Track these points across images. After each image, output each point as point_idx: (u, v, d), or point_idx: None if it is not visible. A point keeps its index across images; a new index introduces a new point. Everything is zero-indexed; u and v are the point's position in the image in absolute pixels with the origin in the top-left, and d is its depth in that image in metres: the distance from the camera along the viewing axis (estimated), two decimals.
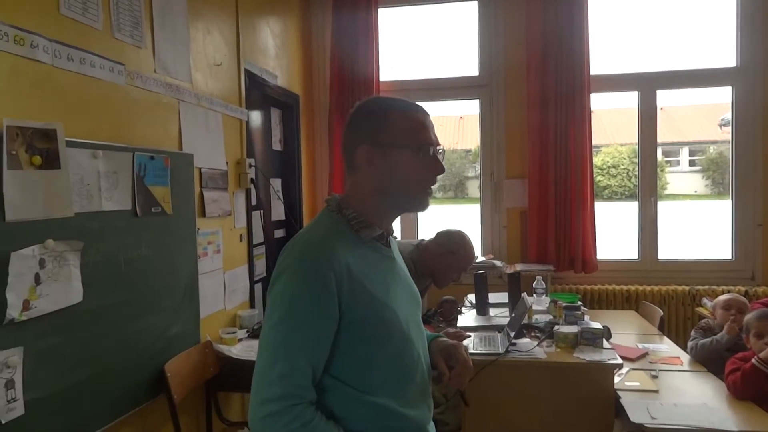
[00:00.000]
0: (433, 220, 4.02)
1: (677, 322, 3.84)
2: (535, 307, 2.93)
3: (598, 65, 4.00)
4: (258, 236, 3.37)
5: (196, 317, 2.50)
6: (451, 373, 1.24)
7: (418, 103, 1.22)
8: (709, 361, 2.55)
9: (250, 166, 3.10)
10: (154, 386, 2.16)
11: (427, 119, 1.20)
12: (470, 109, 4.36)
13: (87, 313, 1.82)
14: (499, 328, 2.71)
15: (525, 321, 2.64)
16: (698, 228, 11.36)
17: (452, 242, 2.67)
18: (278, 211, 3.82)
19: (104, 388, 1.92)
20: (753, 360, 2.20)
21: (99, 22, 1.99)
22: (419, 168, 1.16)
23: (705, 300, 3.56)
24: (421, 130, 1.17)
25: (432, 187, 1.20)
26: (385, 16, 4.32)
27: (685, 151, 18.19)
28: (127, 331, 2.04)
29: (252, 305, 3.17)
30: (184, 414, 2.31)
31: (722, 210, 4.42)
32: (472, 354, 1.31)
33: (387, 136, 1.15)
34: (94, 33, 1.97)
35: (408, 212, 1.28)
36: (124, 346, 2.02)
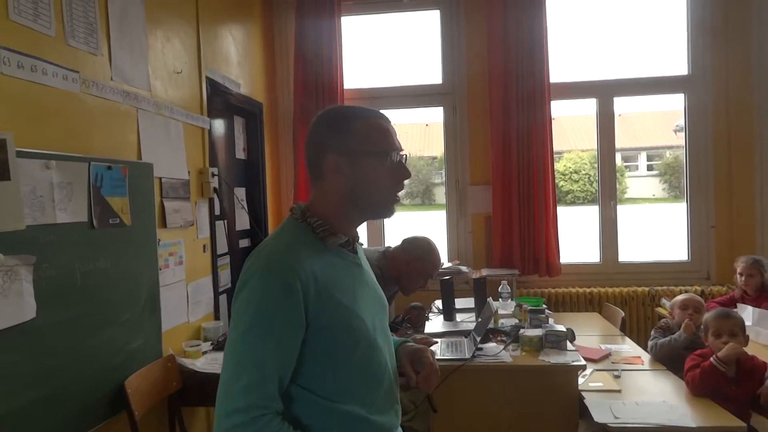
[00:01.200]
0: (400, 227, 4.04)
1: (638, 322, 3.94)
2: (500, 312, 2.96)
3: (558, 73, 4.11)
4: (222, 246, 3.32)
5: (157, 330, 2.43)
6: (419, 376, 1.25)
7: (380, 111, 1.23)
8: (668, 360, 2.63)
9: (213, 175, 3.05)
10: (113, 403, 2.09)
11: (390, 125, 1.22)
12: (436, 116, 4.41)
13: (41, 329, 1.75)
14: (465, 333, 2.72)
15: (491, 325, 2.66)
16: (657, 231, 11.73)
17: (418, 249, 2.68)
18: (243, 221, 3.76)
19: (61, 407, 1.84)
20: (711, 359, 2.27)
21: (52, 28, 1.93)
22: (387, 174, 1.17)
23: (664, 300, 3.68)
24: (387, 137, 1.19)
25: (399, 193, 1.21)
26: (348, 24, 4.33)
27: (643, 156, 18.81)
28: (85, 346, 1.97)
29: (217, 317, 3.11)
30: (146, 430, 2.24)
31: (679, 213, 4.58)
32: (439, 360, 1.31)
33: (354, 144, 1.16)
34: (47, 40, 1.91)
35: (375, 219, 1.28)
36: (81, 362, 1.94)
